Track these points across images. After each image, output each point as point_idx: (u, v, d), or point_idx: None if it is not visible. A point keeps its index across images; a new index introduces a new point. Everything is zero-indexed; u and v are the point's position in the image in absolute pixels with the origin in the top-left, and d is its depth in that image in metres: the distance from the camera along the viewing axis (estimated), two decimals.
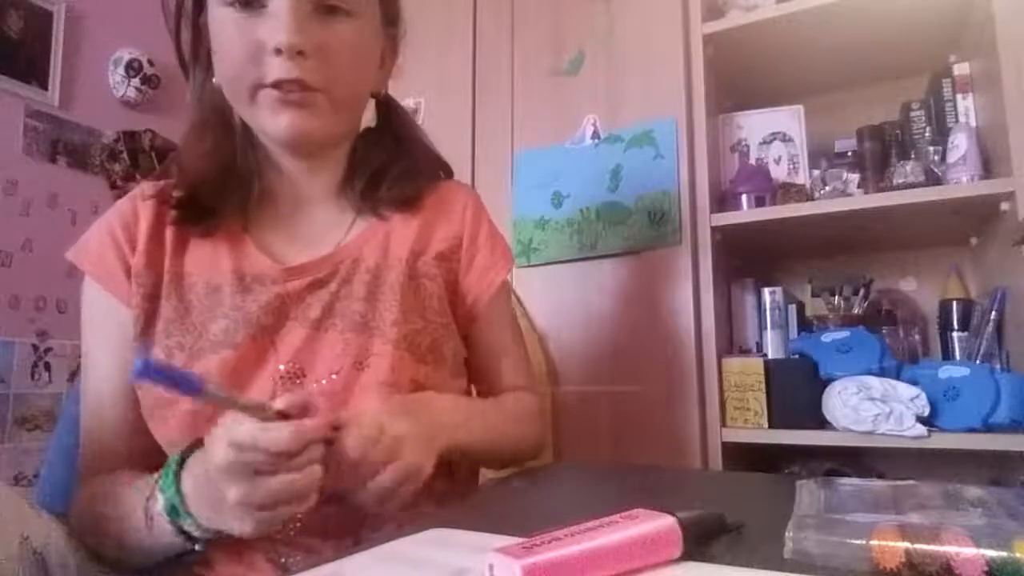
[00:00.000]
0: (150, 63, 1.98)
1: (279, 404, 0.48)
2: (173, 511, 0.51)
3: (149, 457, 0.63)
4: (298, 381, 0.62)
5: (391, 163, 0.73)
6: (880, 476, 1.50)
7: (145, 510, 0.53)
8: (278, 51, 0.58)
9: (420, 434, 0.56)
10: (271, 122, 0.62)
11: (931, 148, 1.37)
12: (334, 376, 0.62)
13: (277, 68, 0.59)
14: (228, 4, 0.59)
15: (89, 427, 0.65)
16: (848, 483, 0.45)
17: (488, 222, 0.79)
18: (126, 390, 0.64)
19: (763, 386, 1.32)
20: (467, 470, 0.74)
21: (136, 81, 1.97)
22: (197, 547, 0.53)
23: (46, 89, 1.81)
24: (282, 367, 0.62)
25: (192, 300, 0.64)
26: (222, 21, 0.60)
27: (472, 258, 0.75)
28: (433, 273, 0.71)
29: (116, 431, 0.64)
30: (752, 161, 1.52)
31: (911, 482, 0.44)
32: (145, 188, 0.70)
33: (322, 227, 0.70)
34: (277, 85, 0.60)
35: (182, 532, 0.51)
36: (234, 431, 0.46)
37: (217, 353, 0.61)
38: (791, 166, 1.50)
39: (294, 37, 0.58)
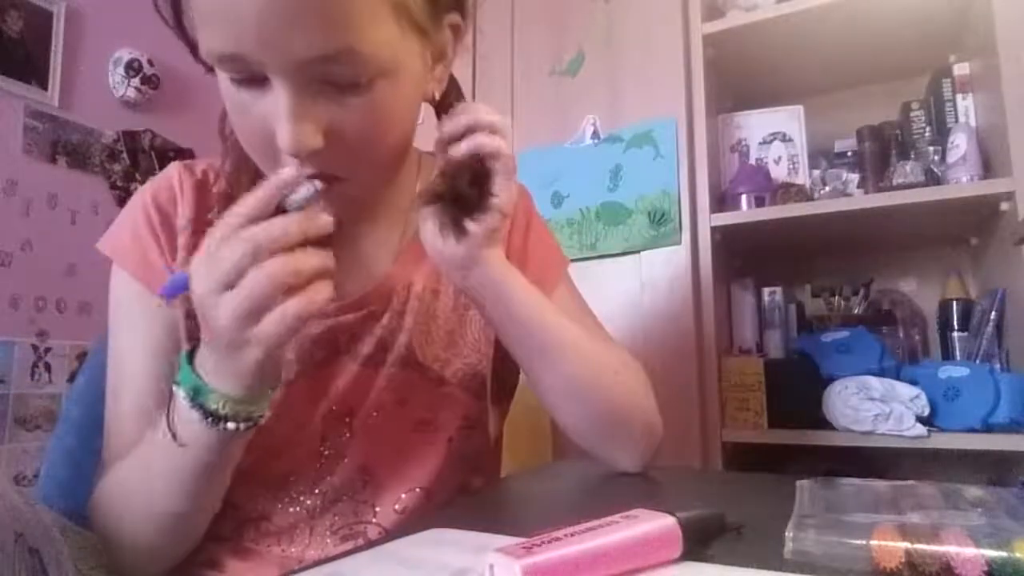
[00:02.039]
0: (150, 63, 1.98)
1: None
2: (195, 393, 0.46)
3: None
4: (346, 420, 0.59)
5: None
6: (880, 476, 1.50)
7: (168, 424, 0.48)
8: (284, 152, 0.47)
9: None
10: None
11: (931, 148, 1.37)
12: (375, 414, 0.60)
13: (290, 164, 0.48)
14: (231, 80, 0.47)
15: (114, 431, 0.59)
16: (848, 483, 0.45)
17: (537, 225, 0.71)
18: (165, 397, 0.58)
19: (763, 386, 1.32)
20: (493, 467, 0.71)
21: (136, 81, 1.97)
22: (240, 427, 0.47)
23: (46, 89, 1.81)
24: (334, 407, 0.59)
25: None
26: (228, 92, 0.48)
27: (523, 263, 0.66)
28: None
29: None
30: (752, 161, 1.52)
31: (911, 482, 0.44)
32: (184, 178, 0.61)
33: (371, 246, 0.63)
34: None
35: (210, 416, 0.46)
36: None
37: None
38: (791, 166, 1.50)
39: (296, 142, 0.45)
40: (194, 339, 0.57)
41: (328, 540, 0.58)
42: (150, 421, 0.56)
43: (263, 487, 0.59)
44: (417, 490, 0.60)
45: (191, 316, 0.57)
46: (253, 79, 0.46)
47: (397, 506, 0.60)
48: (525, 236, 0.69)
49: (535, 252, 0.69)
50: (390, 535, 0.56)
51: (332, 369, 0.59)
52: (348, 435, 0.59)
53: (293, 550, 0.58)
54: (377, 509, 0.60)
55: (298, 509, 0.58)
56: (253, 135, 0.49)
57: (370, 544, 0.42)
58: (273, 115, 0.45)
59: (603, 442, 0.63)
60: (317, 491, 0.58)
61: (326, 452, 0.59)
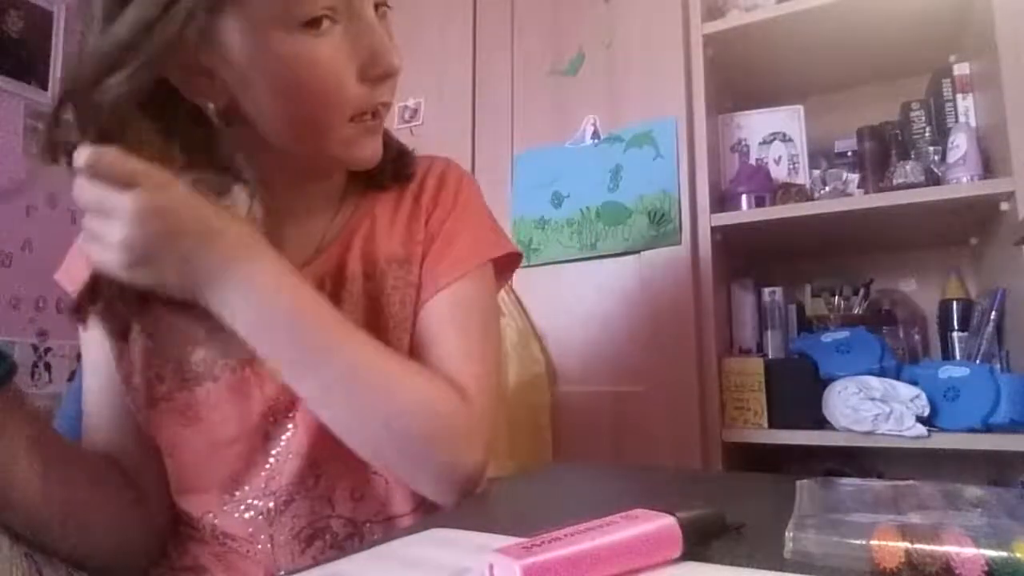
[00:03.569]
0: None
1: None
2: None
3: (153, 479, 0.61)
4: (290, 415, 0.57)
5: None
6: (880, 476, 1.50)
7: None
8: (388, 75, 0.53)
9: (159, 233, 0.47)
10: (356, 151, 0.55)
11: (931, 148, 1.37)
12: None
13: (386, 92, 0.54)
14: (298, 30, 0.49)
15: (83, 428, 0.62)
16: (848, 483, 0.45)
17: (472, 210, 0.66)
18: (111, 413, 0.60)
19: (763, 386, 1.32)
20: None
21: None
22: None
23: (46, 89, 1.81)
24: (272, 403, 0.57)
25: (163, 326, 0.58)
26: (297, 51, 0.49)
27: (427, 252, 0.62)
28: (404, 281, 0.60)
29: (99, 452, 0.60)
30: (752, 161, 1.52)
31: (911, 482, 0.44)
32: None
33: (298, 236, 0.61)
34: (376, 112, 0.54)
35: None
36: None
37: (201, 384, 0.57)
38: (791, 166, 1.50)
39: (398, 57, 0.52)
40: (122, 357, 0.59)
41: (295, 546, 0.56)
42: (92, 425, 0.61)
43: (211, 494, 0.57)
44: (374, 475, 0.58)
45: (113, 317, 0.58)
46: (320, 22, 0.49)
47: (356, 492, 0.58)
48: (449, 215, 0.64)
49: (460, 234, 0.63)
50: (354, 523, 0.58)
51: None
52: (292, 429, 0.56)
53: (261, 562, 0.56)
54: (334, 502, 0.58)
55: (252, 515, 0.56)
56: (327, 81, 0.51)
57: (369, 544, 0.42)
58: (368, 50, 0.51)
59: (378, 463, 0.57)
60: (268, 492, 0.56)
61: (274, 451, 0.57)
